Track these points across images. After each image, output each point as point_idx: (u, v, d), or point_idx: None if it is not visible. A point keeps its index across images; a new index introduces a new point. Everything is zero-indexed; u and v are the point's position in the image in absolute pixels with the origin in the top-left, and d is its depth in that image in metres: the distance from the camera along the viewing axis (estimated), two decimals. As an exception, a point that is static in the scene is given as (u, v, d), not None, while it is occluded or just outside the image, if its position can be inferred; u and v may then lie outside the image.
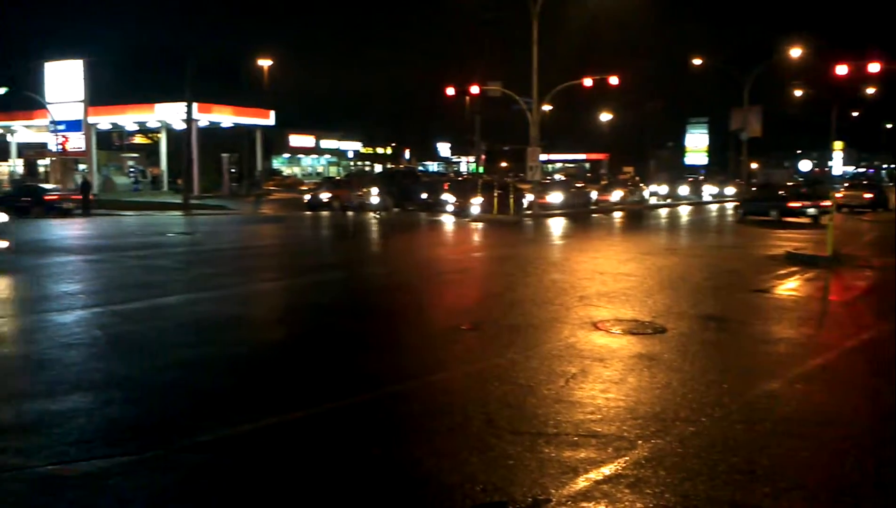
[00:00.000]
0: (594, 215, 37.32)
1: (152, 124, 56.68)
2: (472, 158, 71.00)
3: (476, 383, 7.10)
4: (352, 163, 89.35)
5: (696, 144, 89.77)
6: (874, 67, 32.97)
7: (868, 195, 39.42)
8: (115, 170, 58.53)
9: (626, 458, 5.18)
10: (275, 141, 69.05)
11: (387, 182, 41.32)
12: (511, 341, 8.72)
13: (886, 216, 34.94)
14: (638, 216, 37.02)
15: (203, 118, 51.98)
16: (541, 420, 5.98)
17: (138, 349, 8.39)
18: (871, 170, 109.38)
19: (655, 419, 6.03)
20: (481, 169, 59.90)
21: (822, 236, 17.17)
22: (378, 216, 33.48)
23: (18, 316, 10.78)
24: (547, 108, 43.89)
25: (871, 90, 61.17)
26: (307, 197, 41.38)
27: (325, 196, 39.39)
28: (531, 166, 35.40)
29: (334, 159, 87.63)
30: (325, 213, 36.55)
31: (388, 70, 76.89)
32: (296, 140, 78.50)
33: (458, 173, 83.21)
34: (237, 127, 57.50)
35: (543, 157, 46.81)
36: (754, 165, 72.99)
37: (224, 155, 56.66)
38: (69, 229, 26.43)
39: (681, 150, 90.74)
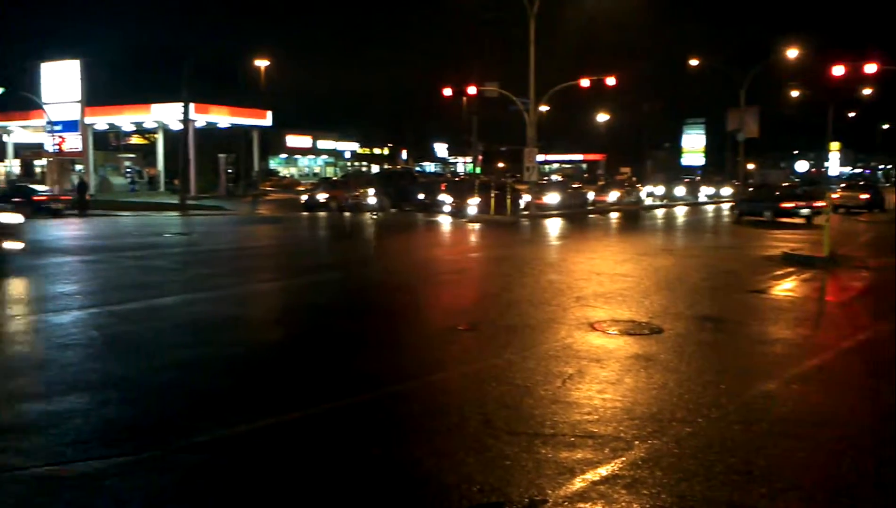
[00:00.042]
0: (591, 216, 37.35)
1: (149, 125, 56.62)
2: (469, 159, 71.11)
3: (473, 383, 7.10)
4: (349, 163, 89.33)
5: (693, 145, 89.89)
6: (871, 68, 33.05)
7: (864, 196, 39.50)
8: (112, 170, 58.41)
9: (623, 459, 5.19)
10: (272, 141, 68.99)
11: (384, 183, 41.38)
12: (508, 341, 8.72)
13: (883, 217, 35.02)
14: (635, 217, 37.05)
15: (200, 119, 51.91)
16: (538, 421, 5.98)
17: (135, 350, 8.38)
18: (868, 171, 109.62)
19: (652, 419, 6.03)
20: (478, 170, 59.97)
21: (819, 236, 17.19)
22: (375, 217, 33.48)
23: (15, 317, 10.76)
24: (544, 108, 43.94)
25: (867, 91, 61.34)
26: (304, 198, 41.38)
27: (321, 197, 39.39)
28: (528, 167, 35.44)
29: (331, 160, 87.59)
30: (321, 213, 36.52)
31: (385, 70, 77.01)
32: (293, 140, 78.47)
33: (455, 174, 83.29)
34: (234, 127, 57.47)
35: (540, 157, 46.87)
36: (751, 166, 73.16)
37: (221, 155, 56.61)
38: (65, 230, 26.39)
39: (677, 150, 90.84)
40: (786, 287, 13.53)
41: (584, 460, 5.18)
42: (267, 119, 58.23)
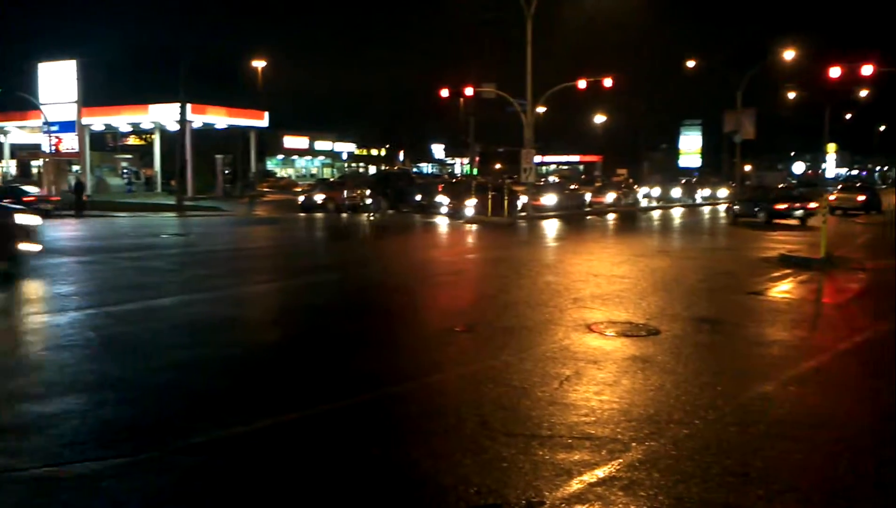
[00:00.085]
0: (588, 217, 37.38)
1: (146, 125, 56.61)
2: (466, 160, 71.11)
3: (470, 384, 7.10)
4: (346, 164, 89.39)
5: (690, 147, 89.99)
6: (867, 70, 33.05)
7: (861, 198, 39.58)
8: (109, 171, 58.38)
9: (620, 460, 5.19)
10: (269, 142, 69.05)
11: (381, 184, 41.38)
12: (505, 343, 8.72)
13: (879, 219, 35.12)
14: (632, 218, 37.08)
15: (197, 119, 51.91)
16: (535, 422, 5.98)
17: (132, 351, 8.37)
18: (864, 172, 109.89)
19: (649, 421, 6.04)
20: (475, 171, 59.99)
21: (816, 238, 17.23)
22: (372, 218, 33.48)
23: (12, 317, 10.74)
24: (541, 109, 43.94)
25: (864, 93, 61.37)
26: (301, 199, 41.39)
27: (319, 198, 39.37)
28: (525, 168, 35.47)
29: (328, 161, 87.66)
30: (319, 214, 36.50)
31: (382, 71, 77.22)
32: (290, 141, 78.54)
33: (453, 175, 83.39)
34: (231, 128, 57.48)
35: (537, 159, 46.85)
36: (748, 168, 73.22)
37: (218, 156, 56.60)
38: (60, 231, 26.34)
39: (674, 152, 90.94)
40: (783, 289, 13.55)
41: (581, 461, 5.18)
42: (264, 120, 58.23)
